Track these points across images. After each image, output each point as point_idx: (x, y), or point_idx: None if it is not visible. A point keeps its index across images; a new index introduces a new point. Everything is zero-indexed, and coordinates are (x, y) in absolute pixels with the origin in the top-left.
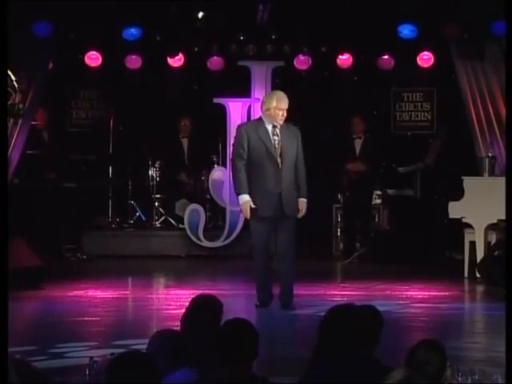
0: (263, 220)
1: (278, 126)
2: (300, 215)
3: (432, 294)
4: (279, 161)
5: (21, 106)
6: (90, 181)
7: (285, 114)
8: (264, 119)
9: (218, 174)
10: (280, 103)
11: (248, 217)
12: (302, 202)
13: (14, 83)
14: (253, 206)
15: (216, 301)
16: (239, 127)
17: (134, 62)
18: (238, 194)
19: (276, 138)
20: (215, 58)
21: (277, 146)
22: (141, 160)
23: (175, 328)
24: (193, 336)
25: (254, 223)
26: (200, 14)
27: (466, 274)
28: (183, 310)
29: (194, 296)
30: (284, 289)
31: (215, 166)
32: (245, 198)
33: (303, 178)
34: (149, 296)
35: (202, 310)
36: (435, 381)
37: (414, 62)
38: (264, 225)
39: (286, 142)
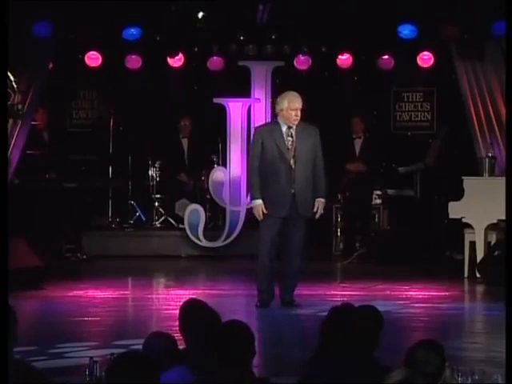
0: (275, 219)
1: (294, 127)
2: (317, 215)
3: (432, 294)
4: (292, 162)
5: (20, 106)
6: (90, 181)
7: (298, 114)
8: (279, 120)
9: (218, 174)
10: (292, 103)
11: (260, 219)
12: (319, 202)
13: (13, 84)
14: (265, 212)
15: (201, 303)
16: (255, 130)
17: (134, 61)
18: (251, 199)
19: (290, 138)
20: (215, 58)
21: (290, 146)
22: (141, 160)
23: (174, 328)
24: (193, 339)
25: (264, 221)
26: (200, 14)
27: (465, 274)
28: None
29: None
30: (287, 289)
31: (215, 166)
32: (257, 202)
33: (321, 178)
34: (149, 296)
35: (192, 313)
36: (434, 381)
37: (414, 62)
38: (274, 224)
39: (301, 142)
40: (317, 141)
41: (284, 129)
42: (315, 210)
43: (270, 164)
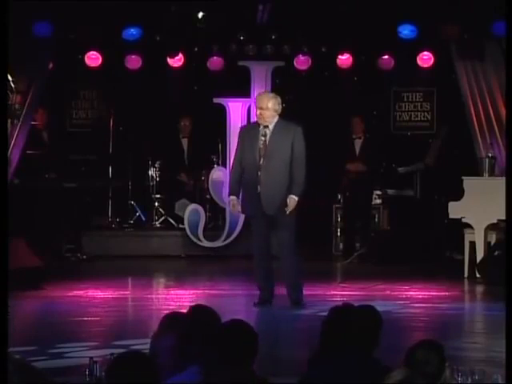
0: (256, 219)
1: (270, 126)
2: (287, 211)
3: (432, 294)
4: (261, 161)
5: (17, 106)
6: (90, 181)
7: (263, 113)
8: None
9: (218, 174)
10: (257, 102)
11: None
12: (290, 198)
13: (11, 84)
14: (238, 208)
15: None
16: (239, 130)
17: (134, 61)
18: (228, 195)
19: (263, 138)
20: (215, 58)
21: (261, 146)
22: (141, 160)
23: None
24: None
25: (251, 221)
26: (200, 14)
27: (465, 274)
28: (183, 310)
29: (193, 304)
30: (289, 288)
31: (215, 166)
32: (230, 198)
33: (297, 177)
34: (149, 296)
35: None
36: (434, 381)
37: (414, 62)
38: (258, 224)
39: (274, 141)
40: (296, 139)
41: (260, 128)
42: (287, 205)
43: (245, 164)
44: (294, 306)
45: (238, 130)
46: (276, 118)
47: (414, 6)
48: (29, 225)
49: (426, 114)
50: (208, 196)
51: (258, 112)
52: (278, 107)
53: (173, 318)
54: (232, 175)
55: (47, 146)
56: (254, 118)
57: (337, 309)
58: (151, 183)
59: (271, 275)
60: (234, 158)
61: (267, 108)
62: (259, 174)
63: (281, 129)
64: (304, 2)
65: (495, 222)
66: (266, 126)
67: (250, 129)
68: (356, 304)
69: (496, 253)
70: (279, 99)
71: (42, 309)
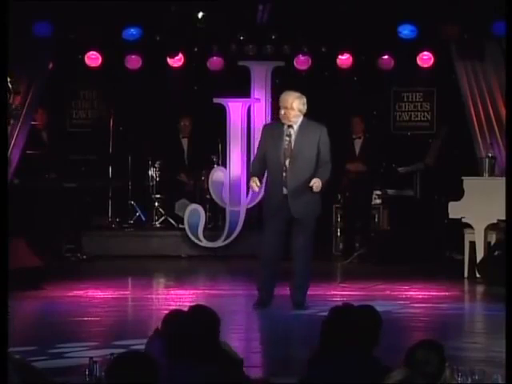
0: (271, 219)
1: (294, 126)
2: (313, 187)
3: (432, 294)
4: (287, 162)
5: (14, 106)
6: (90, 181)
7: (288, 113)
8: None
9: (218, 174)
10: (280, 101)
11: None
12: (315, 179)
13: (9, 84)
14: (256, 186)
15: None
16: (262, 127)
17: (134, 61)
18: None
19: (287, 138)
20: (215, 58)
21: (286, 146)
22: (141, 160)
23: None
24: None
25: (264, 220)
26: (200, 14)
27: (465, 274)
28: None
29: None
30: (294, 288)
31: (215, 166)
32: (252, 178)
33: (321, 177)
34: (149, 296)
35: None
36: (434, 381)
37: (414, 62)
38: (275, 224)
39: (300, 141)
40: (321, 138)
41: (285, 128)
42: (310, 184)
43: (269, 164)
44: (296, 307)
45: (261, 128)
46: (301, 118)
47: (414, 5)
48: (29, 225)
49: (426, 113)
50: (208, 196)
51: (282, 112)
52: (303, 107)
53: (173, 316)
54: (253, 165)
55: (47, 146)
56: (254, 118)
57: (337, 309)
58: (151, 183)
59: (275, 277)
60: (256, 155)
61: (291, 108)
62: (284, 175)
63: (306, 129)
64: (304, 1)
65: (495, 222)
66: (291, 126)
67: (274, 127)
68: (356, 304)
69: (496, 253)
70: (304, 99)
71: (42, 309)
